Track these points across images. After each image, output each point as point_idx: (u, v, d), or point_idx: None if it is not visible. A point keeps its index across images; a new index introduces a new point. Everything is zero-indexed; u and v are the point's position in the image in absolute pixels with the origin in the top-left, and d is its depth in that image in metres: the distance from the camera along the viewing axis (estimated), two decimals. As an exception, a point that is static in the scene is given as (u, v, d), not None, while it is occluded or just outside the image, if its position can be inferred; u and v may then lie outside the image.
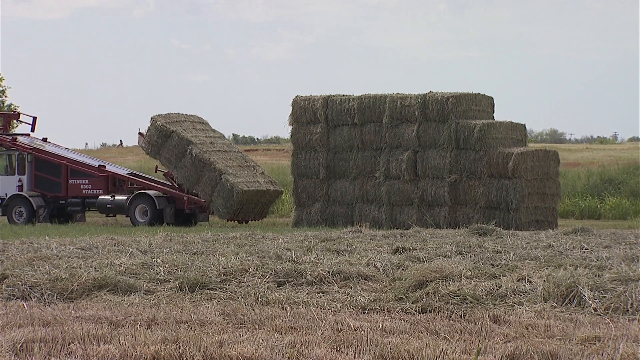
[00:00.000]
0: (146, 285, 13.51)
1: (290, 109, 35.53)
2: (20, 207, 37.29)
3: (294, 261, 15.68)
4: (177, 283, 13.58)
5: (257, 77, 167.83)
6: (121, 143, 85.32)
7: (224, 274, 14.28)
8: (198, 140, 36.28)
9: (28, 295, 12.83)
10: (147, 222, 35.23)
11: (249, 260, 15.55)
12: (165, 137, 36.18)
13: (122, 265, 14.88)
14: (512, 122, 33.29)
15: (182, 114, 37.77)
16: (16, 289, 13.03)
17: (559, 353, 8.96)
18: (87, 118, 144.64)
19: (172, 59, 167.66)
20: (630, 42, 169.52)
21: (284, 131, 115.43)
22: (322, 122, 34.77)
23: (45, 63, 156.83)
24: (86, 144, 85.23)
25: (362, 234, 24.01)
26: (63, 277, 13.37)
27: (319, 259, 16.02)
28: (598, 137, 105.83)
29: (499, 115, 34.37)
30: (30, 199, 37.14)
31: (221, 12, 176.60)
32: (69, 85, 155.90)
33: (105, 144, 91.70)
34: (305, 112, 35.11)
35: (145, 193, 36.22)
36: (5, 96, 60.56)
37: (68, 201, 37.30)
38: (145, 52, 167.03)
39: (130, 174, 38.30)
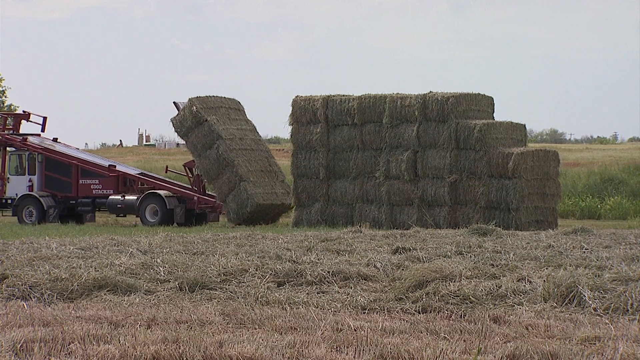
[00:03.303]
0: (146, 285, 13.50)
1: (290, 109, 35.53)
2: (30, 207, 37.29)
3: (294, 261, 15.67)
4: (177, 283, 13.58)
5: (257, 77, 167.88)
6: (121, 143, 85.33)
7: (224, 274, 14.28)
8: (228, 135, 36.05)
9: (28, 295, 12.83)
10: (158, 222, 35.18)
11: (249, 260, 15.55)
12: (198, 123, 36.01)
13: (122, 265, 14.88)
14: (512, 122, 33.28)
15: (220, 98, 37.38)
16: (16, 289, 13.02)
17: (559, 353, 8.96)
18: (87, 118, 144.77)
19: (172, 59, 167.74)
20: (630, 42, 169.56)
21: (284, 131, 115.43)
22: (322, 122, 34.76)
23: (45, 63, 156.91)
24: (86, 144, 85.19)
25: (362, 234, 24.00)
26: (63, 277, 13.36)
27: (319, 259, 16.02)
28: (598, 137, 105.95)
29: (499, 115, 34.39)
30: (40, 199, 37.14)
31: (221, 12, 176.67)
32: (69, 86, 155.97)
33: (105, 144, 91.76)
34: (305, 112, 35.10)
35: (155, 193, 36.19)
36: (5, 96, 60.59)
37: (78, 201, 37.28)
38: (145, 52, 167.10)
39: (141, 173, 38.29)
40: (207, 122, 35.82)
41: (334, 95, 34.95)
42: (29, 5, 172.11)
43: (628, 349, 9.05)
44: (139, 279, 13.94)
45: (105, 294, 12.91)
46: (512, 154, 31.54)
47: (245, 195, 35.07)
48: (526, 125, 33.87)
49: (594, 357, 8.84)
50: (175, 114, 36.76)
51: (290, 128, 35.55)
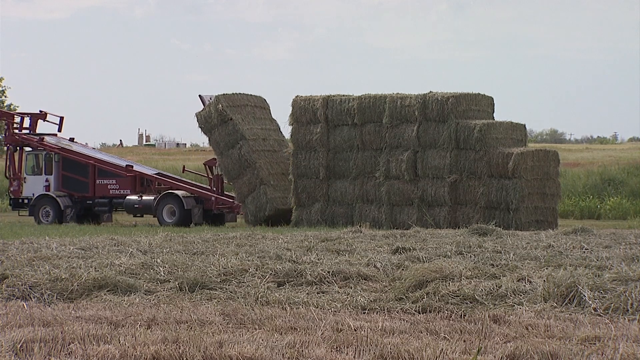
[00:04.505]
0: (146, 285, 13.50)
1: (290, 109, 35.52)
2: (47, 207, 37.21)
3: (294, 261, 15.67)
4: (177, 283, 13.58)
5: (257, 77, 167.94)
6: (121, 143, 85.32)
7: (224, 274, 14.28)
8: (252, 135, 35.90)
9: (28, 295, 12.83)
10: (175, 223, 35.07)
11: (249, 260, 15.55)
12: (223, 121, 35.89)
13: (122, 265, 14.87)
14: (512, 122, 33.27)
15: (246, 96, 37.21)
16: (16, 289, 13.02)
17: (559, 353, 8.96)
18: (87, 118, 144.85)
19: (172, 59, 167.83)
20: (630, 42, 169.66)
21: (284, 131, 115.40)
22: (322, 122, 34.75)
23: (45, 63, 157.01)
24: (86, 143, 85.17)
25: (362, 234, 23.99)
26: (63, 277, 13.36)
27: (319, 259, 16.02)
28: (598, 137, 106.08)
29: (499, 115, 34.38)
30: (57, 199, 37.07)
31: (221, 12, 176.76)
32: (69, 86, 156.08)
33: (105, 143, 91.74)
34: (305, 112, 35.09)
35: (173, 193, 36.09)
36: (5, 96, 60.54)
37: (95, 201, 37.18)
38: (145, 52, 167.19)
39: (158, 174, 38.23)
40: (231, 121, 35.73)
41: (334, 95, 34.94)
42: (29, 5, 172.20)
43: (628, 349, 9.05)
44: (139, 279, 13.94)
45: (105, 294, 12.91)
46: (512, 154, 31.53)
47: (264, 199, 35.07)
48: (526, 125, 33.90)
49: (594, 357, 8.84)
50: (201, 109, 36.60)
51: (290, 128, 35.59)
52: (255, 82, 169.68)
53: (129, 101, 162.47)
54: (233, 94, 36.83)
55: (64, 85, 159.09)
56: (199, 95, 37.11)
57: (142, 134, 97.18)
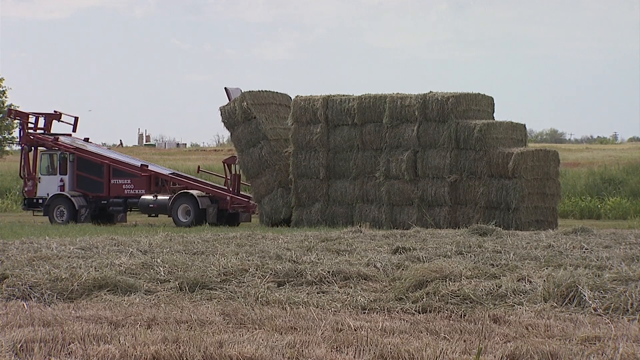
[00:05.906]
0: (146, 285, 13.50)
1: (290, 109, 35.53)
2: (61, 207, 37.19)
3: (294, 261, 15.67)
4: (177, 283, 13.58)
5: (257, 77, 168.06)
6: (121, 143, 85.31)
7: (224, 274, 14.27)
8: (274, 135, 35.82)
9: (28, 295, 12.83)
10: (190, 222, 35.03)
11: (249, 260, 15.54)
12: (246, 119, 35.84)
13: (122, 265, 14.87)
14: (512, 122, 33.27)
15: (272, 93, 37.09)
16: (16, 289, 13.02)
17: (559, 353, 8.96)
18: (87, 118, 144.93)
19: (172, 59, 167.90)
20: (630, 42, 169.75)
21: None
22: (322, 122, 34.75)
23: (45, 63, 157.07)
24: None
25: (362, 234, 23.98)
26: (63, 277, 13.36)
27: (319, 259, 16.01)
28: (598, 137, 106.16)
29: (499, 115, 34.40)
30: (72, 198, 37.05)
31: (221, 12, 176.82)
32: (69, 86, 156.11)
33: (105, 143, 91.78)
34: (305, 112, 35.09)
35: (188, 193, 36.07)
36: (5, 96, 60.46)
37: (110, 201, 37.14)
38: (145, 52, 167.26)
39: (173, 173, 38.25)
40: (255, 120, 35.67)
41: (334, 95, 34.94)
42: (29, 5, 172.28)
43: (628, 349, 9.05)
44: (139, 279, 13.93)
45: (105, 294, 12.90)
46: (512, 154, 31.53)
47: (281, 202, 35.06)
48: (526, 125, 33.91)
49: (594, 357, 8.84)
50: (226, 103, 36.47)
51: (290, 128, 35.56)
52: (255, 82, 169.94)
53: (129, 101, 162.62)
54: (259, 91, 36.73)
55: (64, 86, 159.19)
56: (225, 88, 37.02)
57: (142, 134, 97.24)
